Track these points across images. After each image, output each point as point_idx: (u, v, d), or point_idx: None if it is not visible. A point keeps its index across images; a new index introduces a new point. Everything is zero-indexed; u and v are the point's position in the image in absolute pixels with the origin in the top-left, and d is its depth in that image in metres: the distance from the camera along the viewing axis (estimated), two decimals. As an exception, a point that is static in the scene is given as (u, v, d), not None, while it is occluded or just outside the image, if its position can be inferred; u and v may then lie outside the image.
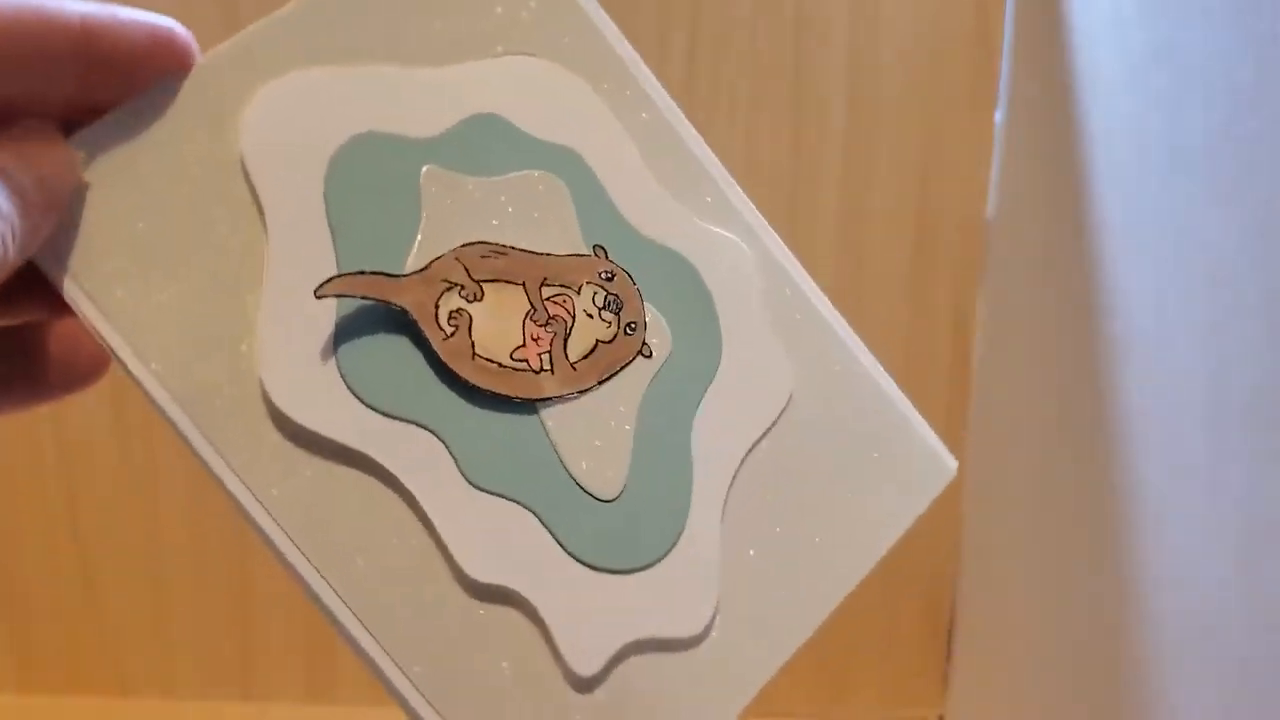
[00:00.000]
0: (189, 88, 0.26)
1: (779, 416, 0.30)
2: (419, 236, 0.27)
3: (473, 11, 0.28)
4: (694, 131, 0.31)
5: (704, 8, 0.65)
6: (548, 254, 0.28)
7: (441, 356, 0.26)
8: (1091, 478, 0.50)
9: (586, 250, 0.28)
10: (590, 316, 0.28)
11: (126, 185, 0.25)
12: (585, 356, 0.28)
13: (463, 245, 0.27)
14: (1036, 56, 0.61)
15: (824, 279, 0.76)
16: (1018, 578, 0.61)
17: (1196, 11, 0.41)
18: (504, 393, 0.27)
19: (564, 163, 0.28)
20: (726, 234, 0.30)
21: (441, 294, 0.26)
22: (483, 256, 0.27)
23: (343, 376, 0.26)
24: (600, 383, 0.28)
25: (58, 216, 0.24)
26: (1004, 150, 0.66)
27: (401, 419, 0.26)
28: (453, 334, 0.26)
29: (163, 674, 0.71)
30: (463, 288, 0.27)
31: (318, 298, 0.25)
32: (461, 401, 0.26)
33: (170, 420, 0.25)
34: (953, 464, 0.32)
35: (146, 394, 0.25)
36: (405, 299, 0.26)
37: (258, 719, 0.71)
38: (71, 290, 0.24)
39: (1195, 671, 0.40)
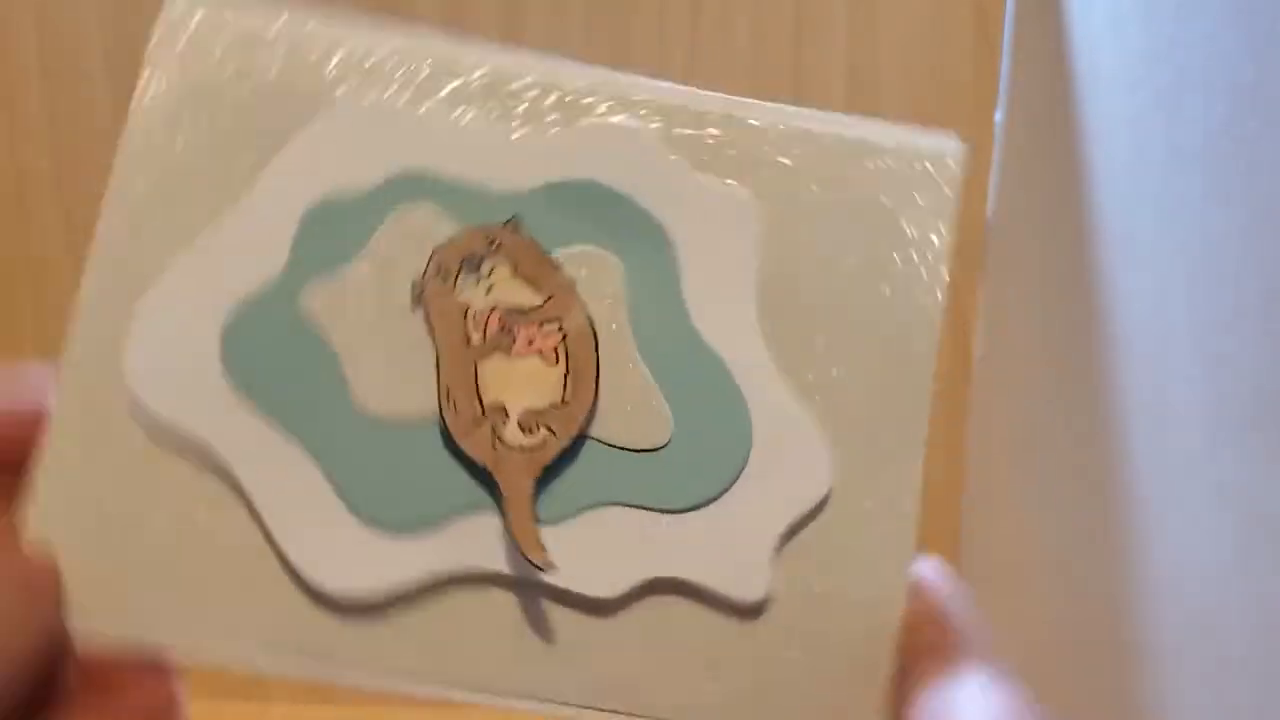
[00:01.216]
0: (69, 400, 0.26)
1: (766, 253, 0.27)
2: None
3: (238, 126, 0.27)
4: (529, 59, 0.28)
5: (704, 8, 0.65)
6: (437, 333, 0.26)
7: (591, 435, 0.26)
8: (1091, 478, 0.50)
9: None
10: (490, 288, 0.26)
11: (87, 522, 0.25)
12: (544, 295, 0.26)
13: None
14: (1036, 56, 0.61)
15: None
16: (1017, 577, 0.61)
17: (1196, 11, 0.41)
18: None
19: (404, 187, 0.27)
20: (608, 122, 0.28)
21: (510, 443, 0.26)
22: (464, 395, 0.26)
23: (370, 525, 0.26)
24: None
25: (56, 603, 0.24)
26: (1004, 150, 0.66)
27: (440, 520, 0.26)
28: (555, 428, 0.26)
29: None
30: (495, 421, 0.26)
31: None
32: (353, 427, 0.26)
33: (277, 671, 0.26)
34: (955, 149, 0.28)
35: (240, 666, 0.25)
36: (520, 487, 0.26)
37: (258, 719, 0.71)
38: (103, 637, 0.25)
39: (1195, 671, 0.40)
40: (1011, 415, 0.64)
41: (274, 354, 0.26)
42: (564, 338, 0.26)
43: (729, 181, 0.28)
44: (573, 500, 0.26)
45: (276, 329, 0.26)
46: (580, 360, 0.26)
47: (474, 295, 0.26)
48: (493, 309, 0.26)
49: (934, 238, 0.28)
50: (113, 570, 0.25)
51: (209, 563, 0.25)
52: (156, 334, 0.26)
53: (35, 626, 0.24)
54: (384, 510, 0.26)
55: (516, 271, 0.26)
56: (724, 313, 0.27)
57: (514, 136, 0.27)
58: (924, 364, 0.27)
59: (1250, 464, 0.36)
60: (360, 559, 0.25)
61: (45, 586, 0.24)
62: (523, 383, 0.26)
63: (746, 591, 0.26)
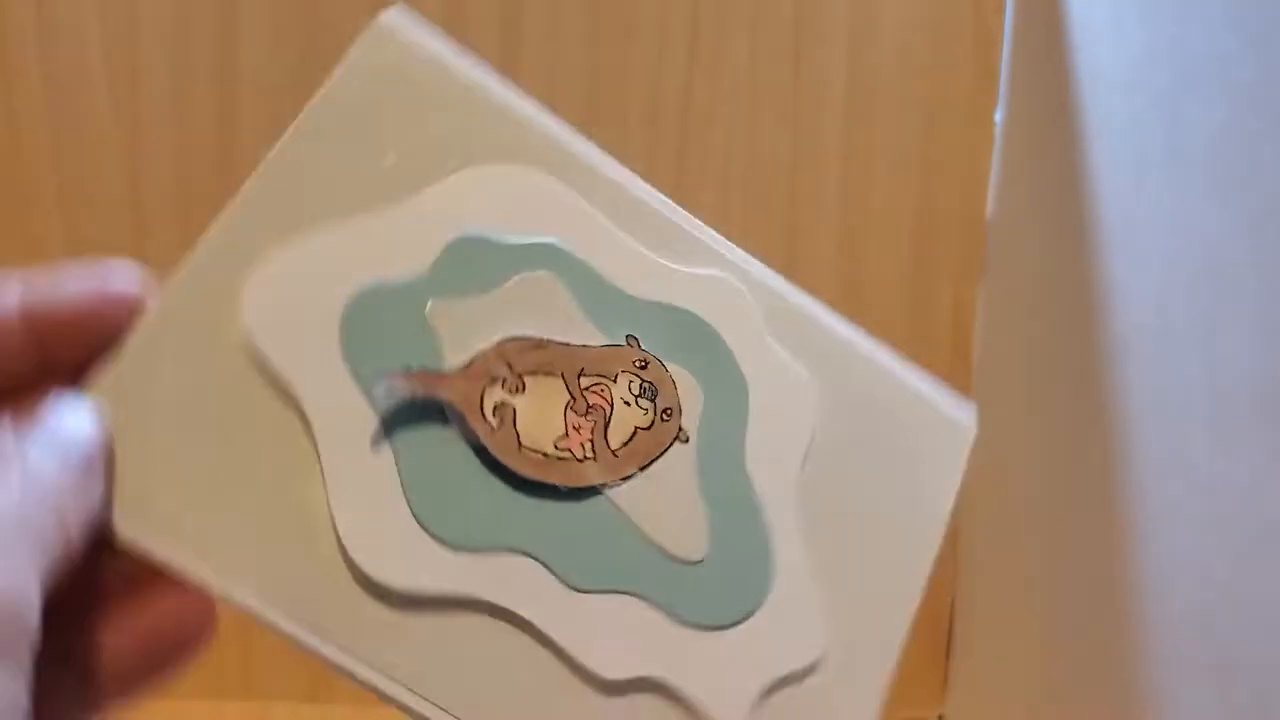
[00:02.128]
0: (175, 304, 0.26)
1: (815, 432, 0.31)
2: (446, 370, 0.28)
3: (415, 138, 0.29)
4: (647, 187, 0.31)
5: (704, 7, 0.65)
6: (584, 345, 0.29)
7: (490, 450, 0.27)
8: (1091, 478, 0.51)
9: (605, 335, 0.29)
10: (628, 404, 0.28)
11: (155, 421, 0.26)
12: (625, 444, 0.28)
13: (502, 341, 0.28)
14: (1036, 56, 0.61)
15: (824, 279, 0.76)
16: (1017, 578, 0.61)
17: (1196, 11, 0.41)
18: (551, 482, 0.27)
19: (547, 256, 0.29)
20: (714, 273, 0.31)
21: (485, 388, 0.27)
22: (521, 350, 0.28)
23: (425, 529, 0.26)
24: (641, 469, 0.28)
25: (102, 481, 0.24)
26: (1004, 150, 0.66)
27: (490, 550, 0.27)
28: (499, 427, 0.27)
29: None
30: (504, 381, 0.27)
31: (381, 413, 0.26)
32: (540, 512, 0.27)
33: (282, 630, 0.26)
34: (969, 427, 0.34)
35: (251, 612, 0.26)
36: (451, 394, 0.27)
37: (258, 718, 0.71)
38: (144, 542, 0.25)
39: (1195, 671, 0.40)
40: (1011, 415, 0.64)
41: (391, 344, 0.27)
42: (596, 446, 0.28)
43: (793, 359, 0.31)
44: (605, 577, 0.28)
45: (401, 323, 0.27)
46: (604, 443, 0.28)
47: (619, 390, 0.29)
48: (606, 403, 0.28)
49: (941, 492, 0.32)
50: (163, 478, 0.25)
51: (260, 502, 0.26)
52: (286, 281, 0.27)
53: (85, 504, 0.23)
54: (439, 522, 0.27)
55: (662, 419, 0.29)
56: (772, 471, 0.30)
57: (643, 250, 0.30)
58: (921, 568, 0.31)
59: (1250, 464, 0.36)
60: (401, 554, 0.26)
61: (96, 466, 0.24)
62: (542, 403, 0.28)
63: (728, 716, 0.28)
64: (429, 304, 0.28)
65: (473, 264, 0.29)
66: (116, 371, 0.25)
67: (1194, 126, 0.41)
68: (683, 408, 0.29)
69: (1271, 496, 0.35)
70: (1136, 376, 0.46)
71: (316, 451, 0.26)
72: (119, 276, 0.25)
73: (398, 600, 0.26)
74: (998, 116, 0.67)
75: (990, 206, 0.68)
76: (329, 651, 0.26)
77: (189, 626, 0.26)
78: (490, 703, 0.26)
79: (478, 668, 0.26)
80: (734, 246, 0.32)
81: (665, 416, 0.29)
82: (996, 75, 0.66)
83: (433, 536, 0.26)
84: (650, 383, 0.29)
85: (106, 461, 0.24)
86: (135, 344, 0.26)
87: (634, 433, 0.28)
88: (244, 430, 0.26)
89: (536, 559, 0.27)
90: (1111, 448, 0.48)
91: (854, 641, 0.30)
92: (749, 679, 0.28)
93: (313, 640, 0.26)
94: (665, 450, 0.29)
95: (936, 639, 0.73)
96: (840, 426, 0.31)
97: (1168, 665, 0.42)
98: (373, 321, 0.27)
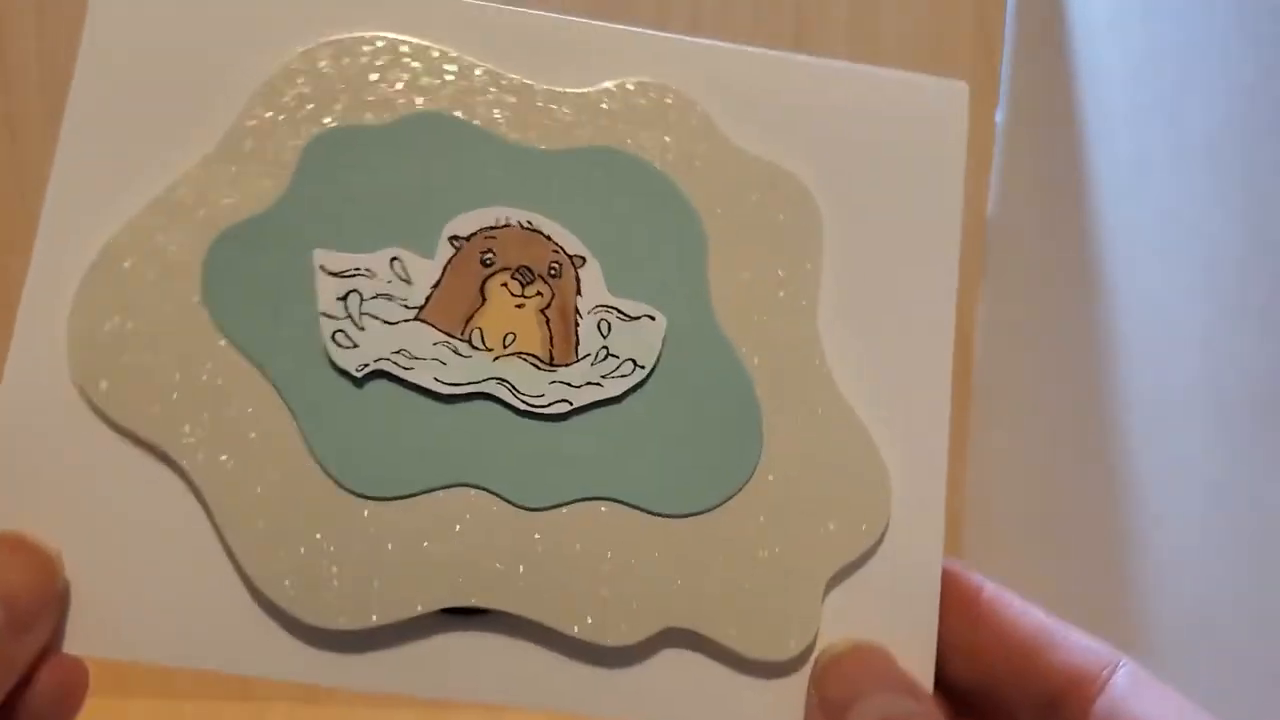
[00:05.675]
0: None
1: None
2: None
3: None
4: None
5: (704, 7, 0.65)
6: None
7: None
8: (1091, 478, 0.50)
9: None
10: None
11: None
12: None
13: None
14: (1037, 56, 0.61)
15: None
16: (1017, 577, 0.61)
17: (1197, 11, 0.41)
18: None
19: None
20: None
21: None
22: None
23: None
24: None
25: (51, 621, 0.24)
26: (1005, 150, 0.66)
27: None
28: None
29: (162, 674, 0.71)
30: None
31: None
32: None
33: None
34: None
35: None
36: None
37: (257, 719, 0.71)
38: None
39: (1193, 671, 0.40)
40: (1012, 415, 0.64)
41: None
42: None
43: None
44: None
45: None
46: None
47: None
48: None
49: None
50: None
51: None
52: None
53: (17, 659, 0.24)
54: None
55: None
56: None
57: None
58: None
59: (1249, 463, 0.36)
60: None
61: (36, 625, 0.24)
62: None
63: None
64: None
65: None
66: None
67: (1195, 126, 0.41)
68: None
69: (1271, 497, 0.35)
70: (1136, 376, 0.46)
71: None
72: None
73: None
74: (998, 116, 0.67)
75: (991, 206, 0.68)
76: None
77: (68, 688, 0.27)
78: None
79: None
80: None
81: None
82: (997, 75, 0.66)
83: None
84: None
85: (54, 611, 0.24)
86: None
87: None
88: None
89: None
90: (1111, 447, 0.48)
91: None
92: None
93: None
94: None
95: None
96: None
97: (1166, 665, 0.42)
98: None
